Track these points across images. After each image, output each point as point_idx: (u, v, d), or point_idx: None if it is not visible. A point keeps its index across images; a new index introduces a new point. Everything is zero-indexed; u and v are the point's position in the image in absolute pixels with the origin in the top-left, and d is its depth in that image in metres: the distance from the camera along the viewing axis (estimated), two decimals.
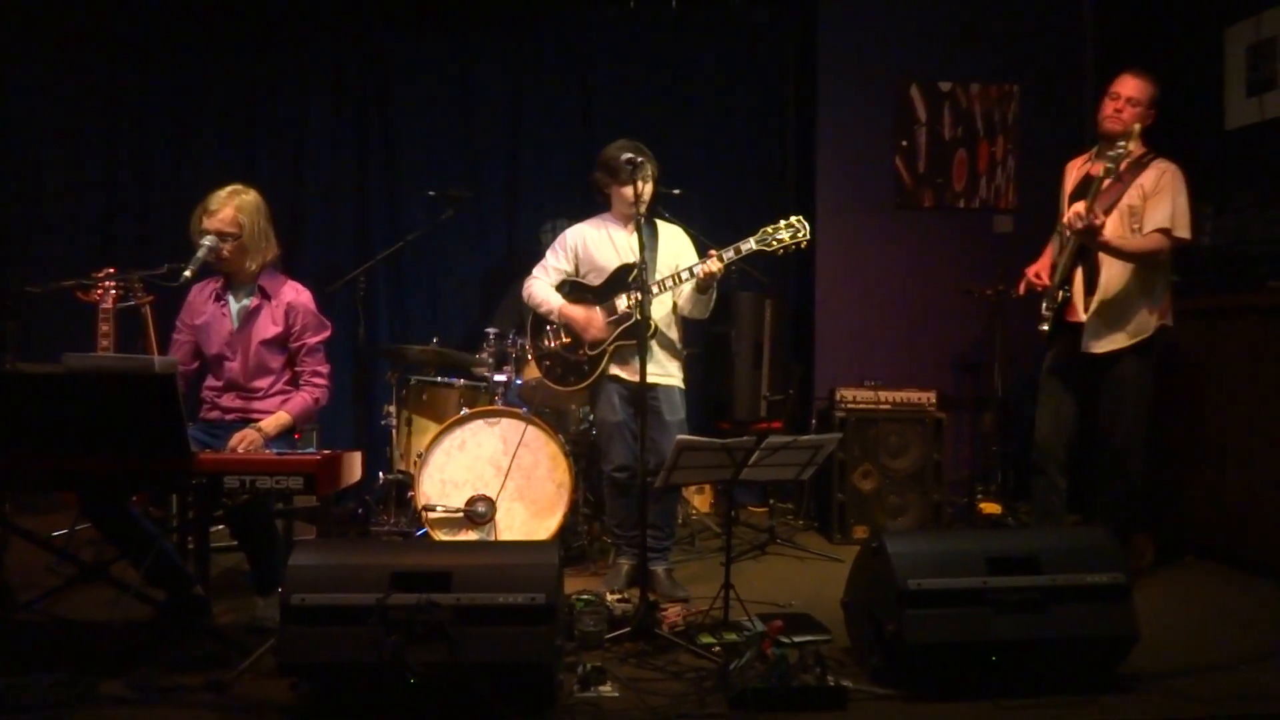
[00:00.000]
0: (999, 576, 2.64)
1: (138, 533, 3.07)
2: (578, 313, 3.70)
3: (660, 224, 3.78)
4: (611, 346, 3.64)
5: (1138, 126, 3.50)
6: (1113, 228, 3.48)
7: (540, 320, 3.79)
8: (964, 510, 4.89)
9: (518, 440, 4.02)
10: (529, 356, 4.00)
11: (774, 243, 3.53)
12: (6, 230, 5.09)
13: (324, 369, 3.45)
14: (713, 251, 3.55)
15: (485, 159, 5.40)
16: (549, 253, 3.84)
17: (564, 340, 3.72)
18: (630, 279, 3.59)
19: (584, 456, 4.38)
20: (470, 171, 5.37)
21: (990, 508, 4.79)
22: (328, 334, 3.49)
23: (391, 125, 5.34)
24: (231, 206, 3.28)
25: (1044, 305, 3.67)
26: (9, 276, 4.69)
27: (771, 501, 4.87)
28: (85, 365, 2.77)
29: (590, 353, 3.68)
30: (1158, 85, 3.57)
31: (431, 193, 4.80)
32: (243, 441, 3.15)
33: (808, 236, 3.52)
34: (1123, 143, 3.44)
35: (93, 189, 5.18)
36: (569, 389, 3.77)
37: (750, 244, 3.54)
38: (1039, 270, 3.74)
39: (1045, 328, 3.65)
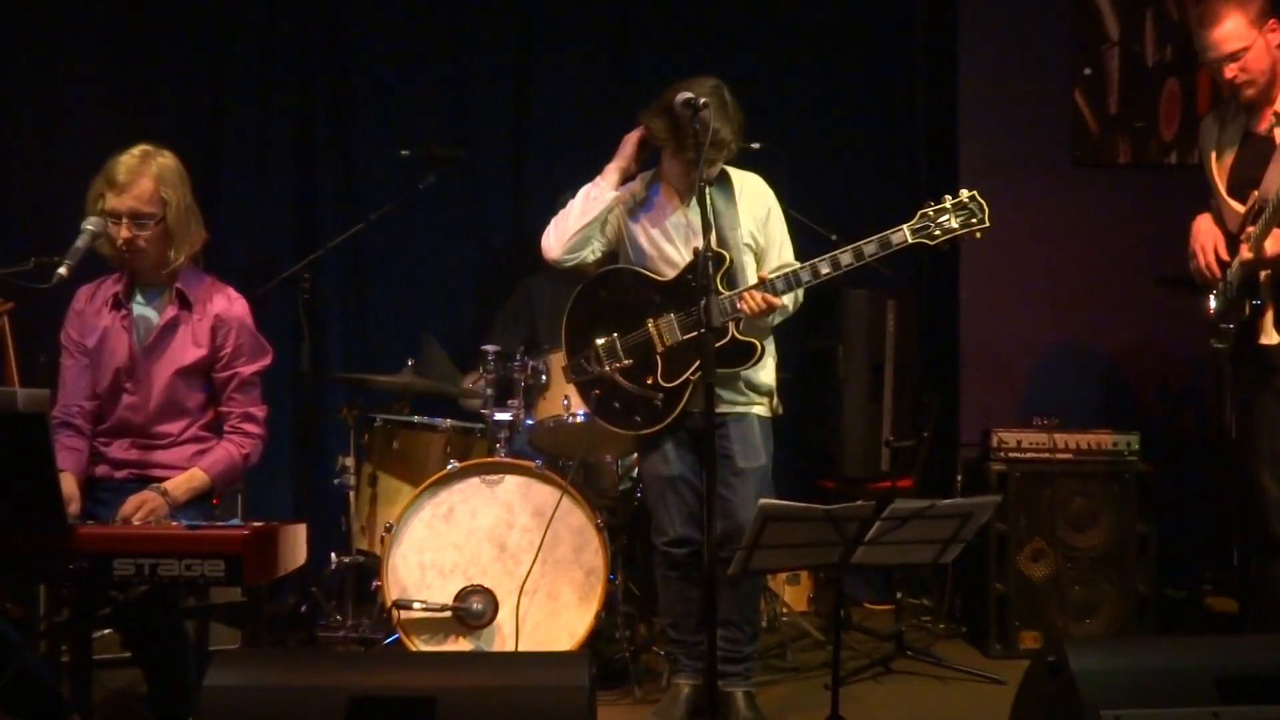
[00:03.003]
0: (1236, 706, 2.58)
1: None
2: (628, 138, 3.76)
3: (735, 175, 3.80)
4: (697, 375, 3.61)
5: (1269, 60, 3.60)
6: None
7: (582, 329, 3.78)
8: (1184, 607, 4.83)
9: (530, 507, 4.03)
10: (552, 381, 4.03)
11: (938, 232, 3.53)
12: None
13: (259, 412, 3.50)
14: (764, 275, 3.57)
15: (482, 107, 5.44)
16: None
17: (624, 362, 3.71)
18: (710, 272, 3.56)
19: (625, 528, 4.38)
20: (459, 122, 5.42)
21: (1223, 604, 4.72)
22: (267, 362, 3.54)
23: (343, 54, 5.44)
24: (148, 177, 3.32)
25: (1211, 303, 3.70)
26: None
27: (899, 596, 4.82)
28: None
29: (668, 382, 3.68)
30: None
31: (405, 151, 4.84)
32: (140, 509, 3.16)
33: (986, 223, 3.51)
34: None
35: None
36: (633, 432, 3.77)
37: (904, 235, 3.54)
38: (1217, 244, 3.73)
39: (1221, 345, 3.68)
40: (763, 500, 3.00)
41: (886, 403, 5.00)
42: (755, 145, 4.31)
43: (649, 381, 3.69)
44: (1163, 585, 4.67)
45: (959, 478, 4.89)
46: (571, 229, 3.74)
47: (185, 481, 3.31)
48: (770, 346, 3.78)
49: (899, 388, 4.99)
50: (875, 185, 5.56)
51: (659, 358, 3.68)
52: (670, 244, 3.73)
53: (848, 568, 3.15)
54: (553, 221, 3.80)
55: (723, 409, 3.61)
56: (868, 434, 4.95)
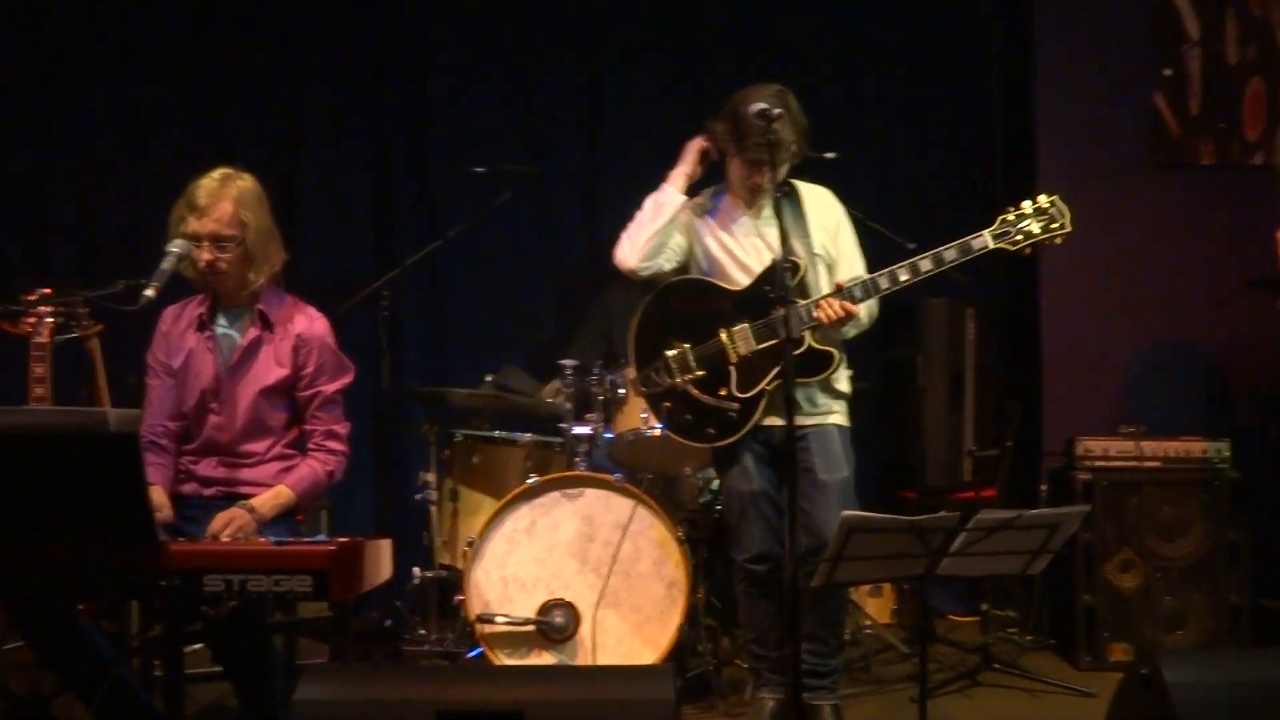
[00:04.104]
0: None
1: (87, 655, 3.14)
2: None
3: (803, 189, 3.80)
4: (773, 385, 3.62)
5: None
6: None
7: (651, 342, 3.76)
8: (1278, 618, 4.72)
9: (610, 520, 4.06)
10: (630, 395, 4.03)
11: (1019, 237, 3.50)
12: None
13: (342, 429, 3.53)
14: (841, 282, 3.55)
15: (555, 122, 5.48)
16: None
17: (697, 373, 3.69)
18: (769, 287, 3.60)
19: (706, 542, 4.37)
20: (534, 140, 5.46)
21: None
22: (349, 380, 3.57)
23: (417, 73, 5.50)
24: (228, 200, 3.36)
25: None
26: None
27: (985, 608, 4.75)
28: (13, 423, 2.83)
29: (743, 393, 3.66)
30: None
31: (480, 169, 4.88)
32: (229, 526, 3.20)
33: (1068, 228, 3.47)
34: None
35: (17, 183, 5.40)
36: (707, 444, 3.76)
37: (985, 240, 3.52)
38: None
39: None
40: (846, 512, 2.98)
41: (968, 412, 4.95)
42: (829, 155, 4.28)
43: (723, 393, 3.66)
44: (1256, 595, 4.58)
45: (1043, 487, 4.84)
46: (644, 236, 3.73)
47: (272, 498, 3.34)
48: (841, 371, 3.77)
49: (980, 396, 4.93)
50: (951, 194, 5.50)
51: (733, 368, 3.65)
52: (741, 253, 3.72)
53: (932, 579, 3.12)
54: (624, 233, 3.80)
55: (801, 420, 3.57)
56: (949, 444, 4.91)
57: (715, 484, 4.35)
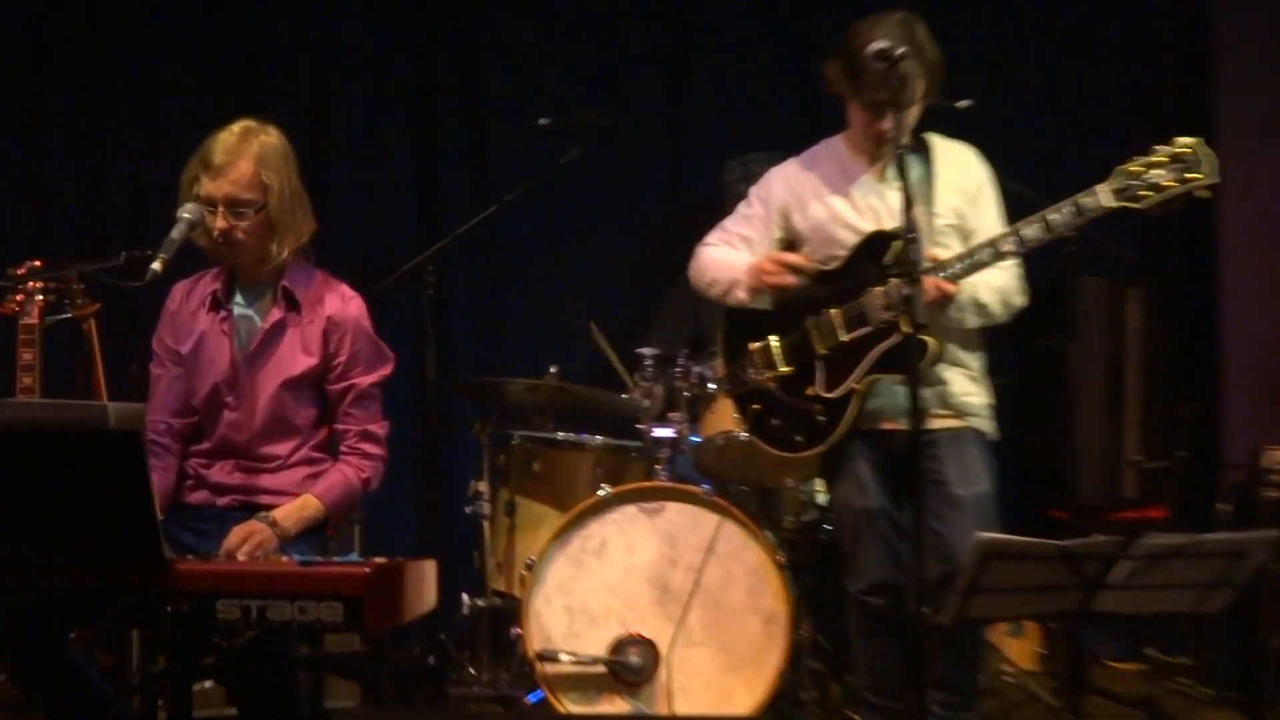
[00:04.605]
0: None
1: (80, 692, 3.14)
2: (773, 257, 3.65)
3: (938, 144, 3.77)
4: (864, 382, 3.61)
5: None
6: None
7: (740, 331, 3.79)
8: None
9: (696, 540, 4.06)
10: (717, 393, 4.02)
11: (1148, 192, 3.41)
12: None
13: (379, 429, 3.53)
14: (935, 255, 3.46)
15: (631, 61, 5.49)
16: (738, 210, 3.90)
17: (781, 370, 3.70)
18: (889, 257, 3.55)
19: (812, 567, 4.36)
20: (607, 85, 5.47)
21: None
22: (388, 371, 3.58)
23: (473, 18, 5.54)
24: (248, 158, 3.37)
25: None
26: None
27: (1150, 653, 4.74)
28: (1, 418, 2.88)
29: (828, 392, 3.64)
30: None
31: (544, 120, 4.87)
32: (246, 543, 3.20)
33: (1213, 178, 3.38)
34: None
35: (2, 139, 5.49)
36: (793, 454, 3.73)
37: (1098, 198, 3.40)
38: None
39: None
40: (982, 534, 2.95)
41: (1130, 415, 4.90)
42: (961, 103, 4.24)
43: (807, 392, 3.66)
44: None
45: (1224, 507, 4.77)
46: (704, 284, 3.82)
47: (296, 510, 3.35)
48: (978, 364, 3.74)
49: (1146, 396, 4.89)
50: (1111, 150, 5.29)
51: (819, 363, 3.64)
52: (855, 217, 3.69)
53: (1087, 617, 3.08)
54: (700, 254, 3.85)
55: (930, 423, 3.52)
56: (1107, 453, 4.87)
57: (823, 497, 4.35)
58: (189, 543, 3.31)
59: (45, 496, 2.73)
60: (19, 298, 3.60)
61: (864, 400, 3.60)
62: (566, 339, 5.30)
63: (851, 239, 3.66)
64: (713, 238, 3.87)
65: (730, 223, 3.86)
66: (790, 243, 3.79)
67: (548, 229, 5.45)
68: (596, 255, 5.51)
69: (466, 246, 5.28)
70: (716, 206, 4.42)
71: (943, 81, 3.63)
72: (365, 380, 3.50)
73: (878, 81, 3.44)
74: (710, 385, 4.28)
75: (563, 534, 4.08)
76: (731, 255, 3.79)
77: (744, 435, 4.07)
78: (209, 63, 5.47)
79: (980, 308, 3.60)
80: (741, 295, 3.72)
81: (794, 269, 3.61)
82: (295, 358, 3.46)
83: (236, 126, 3.40)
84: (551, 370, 4.68)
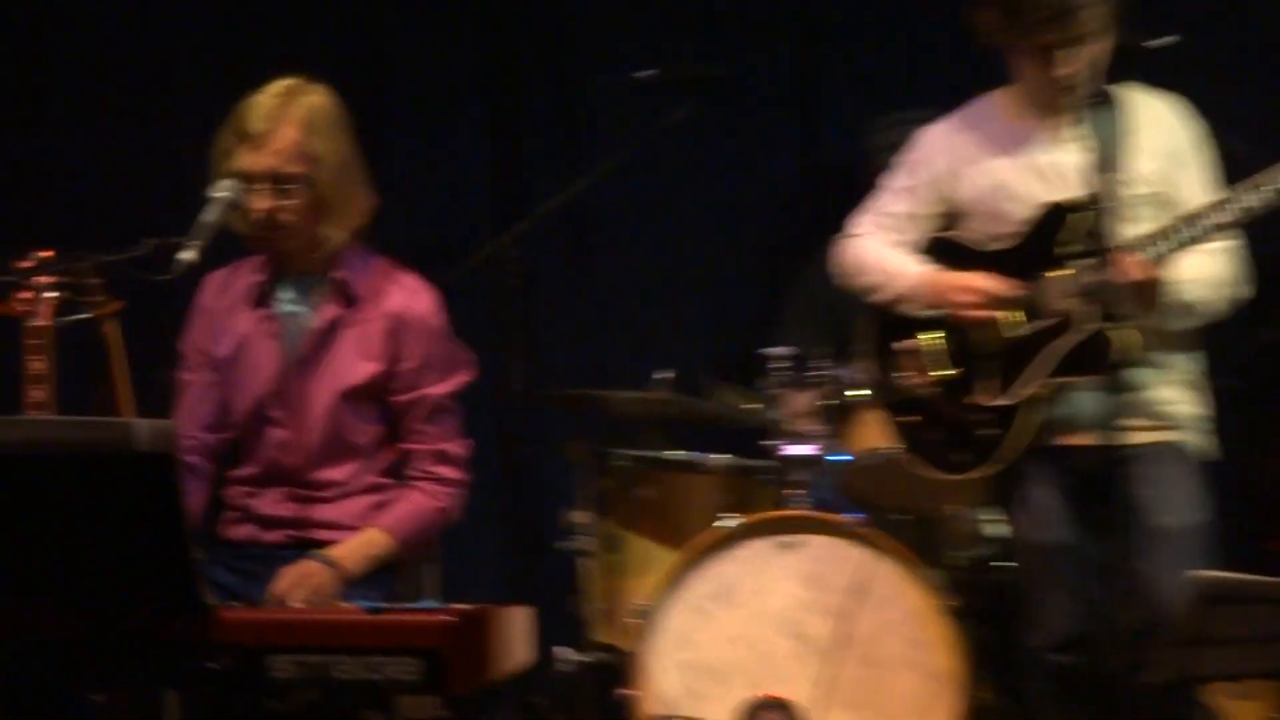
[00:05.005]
0: None
1: None
2: (969, 284, 3.66)
3: (1131, 97, 3.72)
4: (1040, 386, 3.60)
5: None
6: None
7: (886, 325, 3.86)
8: None
9: (842, 582, 4.03)
10: (866, 402, 4.09)
11: None
12: None
13: (457, 449, 3.55)
14: (1127, 232, 3.43)
15: (750, 2, 5.49)
16: (886, 186, 3.92)
17: (943, 373, 3.73)
18: (1070, 234, 3.58)
19: (986, 615, 4.32)
20: (720, 29, 5.44)
21: None
22: (465, 379, 3.60)
23: None
24: (293, 123, 3.38)
25: None
26: None
27: None
28: (8, 438, 2.84)
29: (998, 400, 3.64)
30: None
31: (644, 74, 4.79)
32: (301, 586, 3.25)
33: None
34: None
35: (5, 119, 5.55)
36: (958, 475, 3.76)
37: None
38: None
39: None
40: (1195, 574, 2.92)
41: None
42: (1162, 41, 4.07)
43: (972, 401, 3.68)
44: None
45: None
46: (857, 282, 3.88)
47: (360, 547, 3.38)
48: (1189, 365, 3.73)
49: None
50: None
51: (985, 364, 3.67)
52: (1026, 187, 3.69)
53: None
54: (848, 247, 3.90)
55: (1129, 437, 3.44)
56: None
57: (997, 528, 4.37)
58: (232, 586, 3.34)
59: (61, 531, 2.72)
60: (27, 295, 3.52)
61: (1041, 409, 3.62)
62: (678, 337, 5.35)
63: (1022, 212, 3.69)
64: (863, 224, 3.90)
65: (880, 202, 3.90)
66: (947, 220, 3.81)
67: (652, 204, 5.44)
68: (711, 237, 5.49)
69: (554, 226, 5.24)
70: (856, 176, 4.48)
71: (1135, 13, 3.64)
72: (438, 390, 3.52)
73: (1046, 17, 3.48)
74: (857, 392, 4.27)
75: (679, 575, 4.07)
76: (891, 257, 3.82)
77: (899, 453, 4.02)
78: (242, 11, 5.52)
79: (1187, 307, 3.60)
80: (910, 308, 3.79)
81: (997, 301, 3.63)
82: (354, 363, 3.48)
83: (277, 86, 3.44)
84: (661, 376, 4.63)
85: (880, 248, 3.83)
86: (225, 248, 3.45)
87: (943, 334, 3.73)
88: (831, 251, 3.95)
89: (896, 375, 3.80)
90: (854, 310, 4.60)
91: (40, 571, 2.73)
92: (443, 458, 3.51)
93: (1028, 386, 3.61)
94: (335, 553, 3.32)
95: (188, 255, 3.23)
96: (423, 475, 3.50)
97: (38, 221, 5.34)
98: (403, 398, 3.48)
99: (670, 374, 4.66)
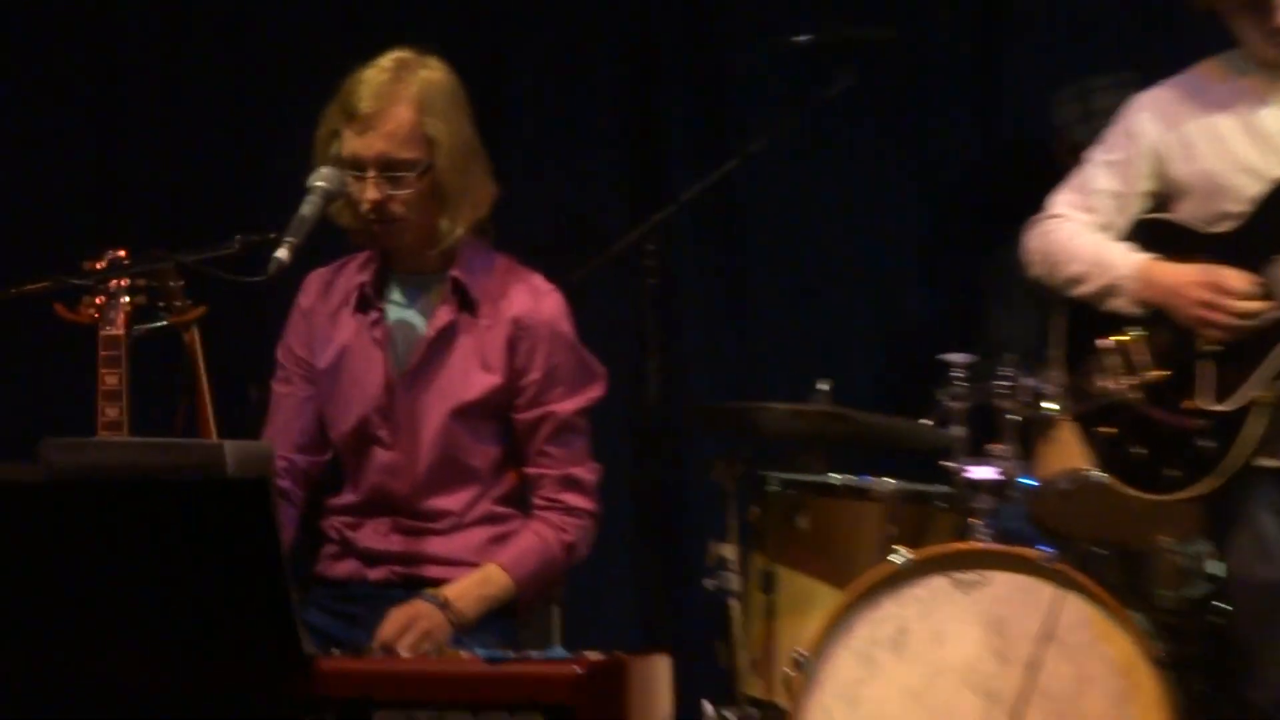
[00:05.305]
0: None
1: None
2: (1189, 277, 3.62)
3: None
4: (1272, 389, 3.55)
5: None
6: None
7: (1080, 324, 3.86)
8: None
9: (1033, 625, 4.00)
10: (1060, 416, 4.08)
11: None
12: None
13: (588, 474, 3.54)
14: None
15: None
16: (1091, 160, 3.91)
17: (1148, 375, 3.66)
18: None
19: (1203, 665, 4.24)
20: None
21: None
22: (597, 394, 3.58)
23: None
24: (406, 101, 3.38)
25: None
26: None
27: None
28: (75, 464, 2.83)
29: (1219, 405, 3.59)
30: None
31: (800, 38, 4.78)
32: (410, 631, 3.23)
33: None
34: None
35: (74, 93, 5.59)
36: (1167, 495, 3.71)
37: None
38: None
39: None
40: None
41: None
42: None
43: (1185, 405, 3.65)
44: None
45: None
46: (1053, 275, 3.87)
47: (476, 586, 3.38)
48: None
49: None
50: None
51: (1202, 363, 3.62)
52: (1259, 162, 3.66)
53: None
54: (1046, 231, 3.89)
55: None
56: None
57: (1216, 564, 4.27)
58: (331, 631, 3.37)
59: (138, 570, 2.71)
60: (99, 301, 3.54)
61: (1270, 417, 3.55)
62: (839, 343, 5.35)
63: (1254, 188, 3.65)
64: (1063, 203, 3.88)
65: (1083, 177, 3.88)
66: (1157, 201, 3.81)
67: (808, 191, 5.41)
68: (878, 226, 5.45)
69: (699, 217, 5.27)
70: (1045, 156, 4.56)
71: None
72: (567, 406, 3.50)
73: None
74: (1050, 406, 4.21)
75: (844, 617, 4.08)
76: (1100, 243, 3.81)
77: (1100, 476, 3.98)
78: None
79: None
80: (1120, 304, 3.75)
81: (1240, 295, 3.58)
82: (471, 375, 3.48)
83: (387, 60, 3.43)
84: (822, 388, 4.60)
85: (1085, 232, 3.80)
86: (326, 245, 3.47)
87: (1145, 331, 3.70)
88: (1024, 238, 3.91)
89: (1093, 379, 3.78)
90: (1041, 316, 4.56)
91: (114, 617, 2.71)
92: (571, 484, 3.50)
93: (1256, 389, 3.55)
94: (448, 593, 3.31)
95: (283, 254, 3.20)
96: (548, 504, 3.49)
97: (112, 216, 5.41)
98: (526, 415, 3.48)
99: (830, 385, 4.62)
